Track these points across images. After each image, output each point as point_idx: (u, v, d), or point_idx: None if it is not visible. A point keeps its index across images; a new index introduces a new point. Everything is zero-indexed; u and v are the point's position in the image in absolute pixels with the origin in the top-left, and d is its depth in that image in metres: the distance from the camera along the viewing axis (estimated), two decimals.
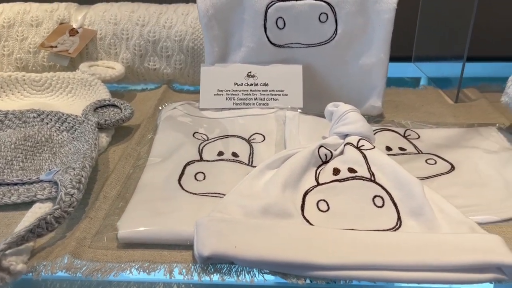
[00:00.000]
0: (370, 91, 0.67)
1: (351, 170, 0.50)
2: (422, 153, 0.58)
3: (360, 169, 0.50)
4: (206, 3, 0.63)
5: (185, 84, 0.82)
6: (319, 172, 0.51)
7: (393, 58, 0.95)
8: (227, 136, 0.59)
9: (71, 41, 0.77)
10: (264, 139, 0.59)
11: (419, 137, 0.62)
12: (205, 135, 0.60)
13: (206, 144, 0.57)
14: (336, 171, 0.50)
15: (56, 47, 0.77)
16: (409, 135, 0.62)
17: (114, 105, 0.66)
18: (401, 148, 0.59)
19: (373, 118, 0.67)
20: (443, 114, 0.71)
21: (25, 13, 0.80)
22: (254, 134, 0.60)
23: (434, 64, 0.90)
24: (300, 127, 0.60)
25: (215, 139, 0.59)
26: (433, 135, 0.62)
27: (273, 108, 0.65)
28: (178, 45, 0.77)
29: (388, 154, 0.58)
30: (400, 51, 0.96)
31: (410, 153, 0.58)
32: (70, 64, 0.79)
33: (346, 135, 0.54)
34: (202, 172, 0.52)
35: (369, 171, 0.50)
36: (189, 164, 0.53)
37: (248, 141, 0.58)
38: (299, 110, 0.65)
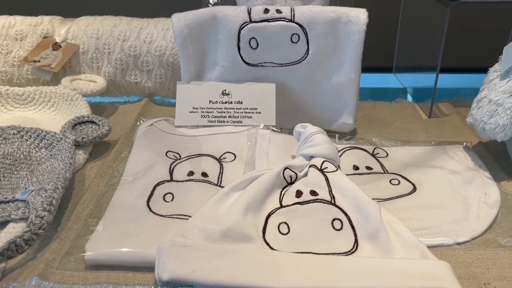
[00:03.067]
0: (342, 109, 0.68)
1: (313, 192, 0.52)
2: (387, 172, 0.60)
3: (322, 191, 0.52)
4: (180, 23, 0.65)
5: (166, 97, 0.84)
6: (283, 194, 0.53)
7: (374, 69, 0.97)
8: (199, 155, 0.61)
9: (54, 56, 0.79)
10: (235, 158, 0.61)
11: (387, 155, 0.64)
12: (178, 153, 0.61)
13: (178, 163, 0.59)
14: (298, 194, 0.52)
15: (39, 61, 0.79)
16: (378, 153, 0.64)
17: (92, 122, 0.68)
18: (368, 167, 0.61)
19: (344, 135, 0.69)
20: (415, 130, 0.72)
21: (10, 27, 0.82)
22: (225, 153, 0.62)
23: (412, 75, 0.92)
24: (270, 145, 0.62)
25: (187, 158, 0.61)
26: (401, 153, 0.64)
27: (247, 125, 0.66)
28: (159, 59, 0.79)
29: (355, 173, 0.60)
30: (381, 62, 0.98)
31: (376, 173, 0.60)
32: (53, 77, 0.81)
33: (312, 157, 0.56)
34: (171, 193, 0.54)
35: (330, 193, 0.51)
36: (159, 185, 0.55)
37: (219, 160, 0.60)
38: (272, 128, 0.66)
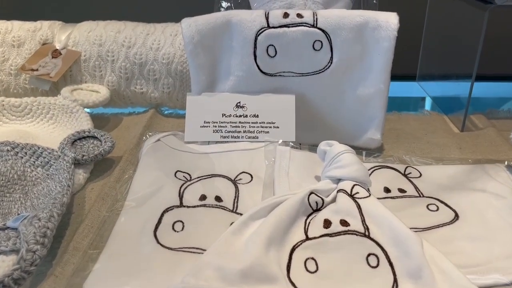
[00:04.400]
0: (368, 122, 0.62)
1: (343, 222, 0.45)
2: (423, 196, 0.53)
3: (353, 221, 0.45)
4: (191, 29, 0.59)
5: (174, 108, 0.78)
6: (309, 223, 0.46)
7: (396, 77, 0.91)
8: (211, 176, 0.55)
9: (53, 64, 0.73)
10: (252, 179, 0.55)
11: (420, 175, 0.57)
12: (188, 174, 0.55)
13: (188, 185, 0.53)
14: (327, 223, 0.46)
15: (37, 70, 0.73)
16: (410, 173, 0.58)
17: (94, 137, 0.62)
18: (400, 190, 0.54)
19: (372, 152, 0.62)
20: (447, 146, 0.66)
21: (6, 33, 0.76)
22: (241, 173, 0.55)
23: (439, 83, 0.86)
24: (291, 165, 0.56)
25: (198, 179, 0.54)
26: (436, 173, 0.58)
27: (264, 141, 0.60)
28: (166, 68, 0.73)
29: (386, 197, 0.54)
30: (403, 69, 0.91)
31: (410, 196, 0.53)
32: (53, 87, 0.75)
33: (340, 180, 0.50)
34: (181, 221, 0.48)
35: (363, 224, 0.45)
36: (167, 211, 0.49)
37: (234, 182, 0.54)
38: (291, 144, 0.60)
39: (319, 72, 0.60)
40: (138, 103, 0.77)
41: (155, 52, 0.73)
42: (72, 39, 0.75)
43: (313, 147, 0.62)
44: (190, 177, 0.55)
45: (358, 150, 0.62)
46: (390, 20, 0.57)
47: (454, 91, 0.77)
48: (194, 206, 0.50)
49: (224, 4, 0.70)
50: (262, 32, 0.58)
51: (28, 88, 0.75)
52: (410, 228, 0.44)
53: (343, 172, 0.49)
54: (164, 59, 0.73)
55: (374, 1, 0.72)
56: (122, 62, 0.73)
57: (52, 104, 0.70)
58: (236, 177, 0.55)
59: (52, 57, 0.74)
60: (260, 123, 0.61)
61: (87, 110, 0.71)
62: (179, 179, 0.54)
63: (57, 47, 0.75)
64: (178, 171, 0.56)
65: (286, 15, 0.58)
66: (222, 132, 0.61)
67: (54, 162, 0.57)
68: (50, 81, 0.73)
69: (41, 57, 0.74)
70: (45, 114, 0.70)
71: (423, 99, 0.86)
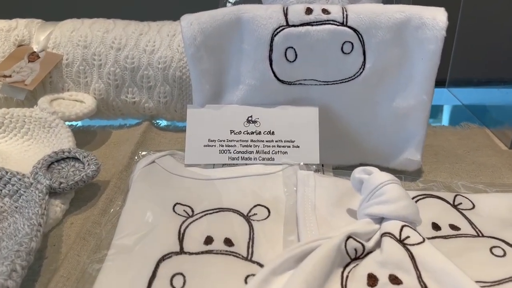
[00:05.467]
0: (406, 140, 0.52)
1: (394, 279, 0.35)
2: (482, 235, 0.43)
3: (407, 278, 0.35)
4: (193, 28, 0.48)
5: (172, 119, 0.67)
6: (347, 277, 0.36)
7: None
8: (219, 210, 0.44)
9: (30, 69, 0.62)
10: (269, 214, 0.44)
11: (473, 206, 0.47)
12: (189, 207, 0.44)
13: (190, 223, 0.42)
14: (372, 280, 0.35)
15: (10, 76, 0.62)
16: (460, 203, 0.47)
17: (75, 158, 0.52)
18: (452, 226, 0.44)
19: (408, 175, 0.52)
20: (497, 167, 0.56)
21: None
22: (255, 206, 0.45)
23: (475, 90, 0.75)
24: (317, 195, 0.45)
25: (203, 214, 0.44)
26: (492, 203, 0.47)
27: (281, 164, 0.50)
28: (162, 73, 0.62)
29: (436, 236, 0.43)
30: None
31: (466, 235, 0.43)
32: (30, 95, 0.64)
33: (383, 218, 0.39)
34: (181, 274, 0.37)
35: (419, 281, 0.34)
36: (164, 259, 0.38)
37: (247, 218, 0.43)
38: (315, 167, 0.50)
39: (349, 80, 0.49)
40: (130, 114, 0.67)
41: (149, 55, 0.62)
42: (53, 39, 0.65)
43: (339, 170, 0.52)
44: (193, 212, 0.44)
45: (393, 173, 0.52)
46: (437, 17, 0.46)
47: (496, 99, 0.67)
48: (198, 253, 0.39)
49: None
50: (280, 31, 0.47)
51: (1, 97, 0.65)
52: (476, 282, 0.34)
53: (389, 210, 0.39)
54: (160, 63, 0.62)
55: None
56: (111, 67, 0.63)
57: (27, 117, 0.59)
58: (250, 211, 0.44)
59: (29, 61, 0.63)
60: (276, 141, 0.50)
61: (71, 123, 0.61)
62: (179, 214, 0.44)
63: (35, 49, 0.64)
64: (177, 203, 0.45)
65: (309, 10, 0.48)
66: (230, 152, 0.50)
67: (24, 191, 0.46)
68: (25, 89, 0.62)
69: (15, 61, 0.63)
70: (19, 129, 0.59)
71: (465, 109, 0.75)
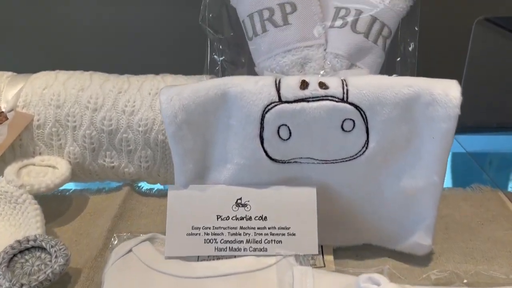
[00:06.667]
0: (415, 222, 0.46)
1: None
2: None
3: None
4: (173, 105, 0.42)
5: (154, 183, 0.61)
6: None
7: None
8: None
9: None
10: None
11: None
12: None
13: None
14: None
15: None
16: None
17: (41, 248, 0.46)
18: None
19: (418, 260, 0.46)
20: None
21: None
22: None
23: (487, 137, 0.71)
24: None
25: None
26: None
27: (275, 255, 0.44)
28: (143, 137, 0.56)
29: None
30: None
31: None
32: None
33: None
34: None
35: None
36: None
37: None
38: (312, 258, 0.44)
39: (350, 159, 0.44)
40: (109, 179, 0.61)
41: (128, 116, 0.56)
42: (23, 97, 0.58)
43: (340, 250, 0.47)
44: None
45: (400, 255, 0.47)
46: (450, 93, 0.41)
47: (503, 146, 0.62)
48: None
49: (217, 57, 0.54)
50: (272, 108, 0.42)
51: None
52: None
53: None
54: (140, 126, 0.56)
55: (416, 28, 0.57)
56: (87, 129, 0.57)
57: None
58: None
59: None
60: (269, 228, 0.45)
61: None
62: None
63: (3, 109, 0.58)
64: None
65: (304, 84, 0.42)
66: (217, 242, 0.44)
67: None
68: None
69: None
70: None
71: (471, 157, 0.70)
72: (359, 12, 0.52)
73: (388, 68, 0.56)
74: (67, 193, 0.61)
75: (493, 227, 0.53)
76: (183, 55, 0.74)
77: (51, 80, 0.60)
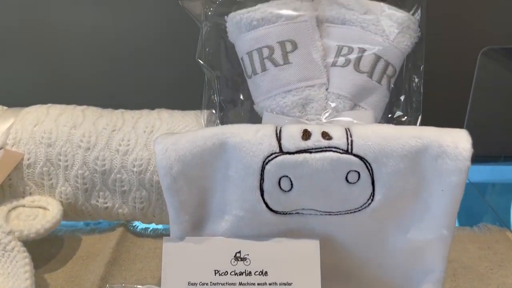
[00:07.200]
0: (423, 275, 0.44)
1: None
2: None
3: None
4: (169, 156, 0.40)
5: (150, 223, 0.59)
6: None
7: None
8: None
9: None
10: None
11: None
12: None
13: None
14: None
15: None
16: None
17: None
18: None
19: None
20: None
21: None
22: None
23: (488, 167, 0.69)
24: None
25: None
26: None
27: None
28: (138, 178, 0.54)
29: None
30: None
31: None
32: None
33: None
34: None
35: None
36: None
37: None
38: None
39: (355, 211, 0.42)
40: (102, 219, 0.59)
41: (122, 156, 0.54)
42: (13, 134, 0.56)
43: None
44: None
45: None
46: (460, 145, 0.39)
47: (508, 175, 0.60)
48: None
49: (214, 97, 0.52)
50: (273, 159, 0.40)
51: None
52: None
53: None
54: (135, 166, 0.54)
55: (421, 64, 0.55)
56: (79, 169, 0.55)
57: None
58: None
59: None
60: (270, 284, 0.42)
61: None
62: None
63: None
64: None
65: (306, 134, 0.40)
66: None
67: None
68: None
69: None
70: None
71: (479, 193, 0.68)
72: (363, 50, 0.50)
73: (391, 106, 0.54)
74: (59, 233, 0.59)
75: (502, 272, 0.51)
76: (180, 88, 0.72)
77: (43, 116, 0.57)
